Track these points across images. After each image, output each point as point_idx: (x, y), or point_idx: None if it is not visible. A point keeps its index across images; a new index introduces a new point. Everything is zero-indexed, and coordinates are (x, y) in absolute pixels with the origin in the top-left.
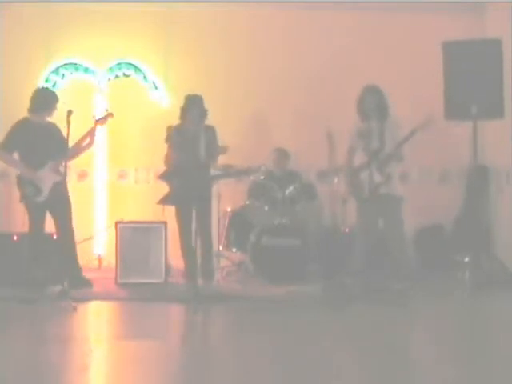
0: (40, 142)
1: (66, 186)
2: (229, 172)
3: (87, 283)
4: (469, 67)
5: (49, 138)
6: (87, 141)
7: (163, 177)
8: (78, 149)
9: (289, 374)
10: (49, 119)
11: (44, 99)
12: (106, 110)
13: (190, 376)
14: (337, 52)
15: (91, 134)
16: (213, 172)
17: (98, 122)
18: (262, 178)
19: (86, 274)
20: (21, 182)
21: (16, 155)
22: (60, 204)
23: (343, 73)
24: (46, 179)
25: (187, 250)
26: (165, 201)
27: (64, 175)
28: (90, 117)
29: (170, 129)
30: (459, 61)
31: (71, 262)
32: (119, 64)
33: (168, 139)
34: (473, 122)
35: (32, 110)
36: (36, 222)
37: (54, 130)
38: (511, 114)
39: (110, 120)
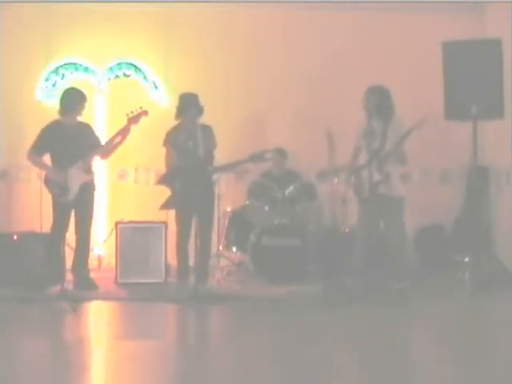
0: (70, 143)
1: (94, 188)
2: (232, 163)
3: (94, 286)
4: (469, 67)
5: (79, 138)
6: (118, 139)
7: (162, 181)
8: (109, 147)
9: (289, 373)
10: (80, 119)
11: (72, 100)
12: (141, 108)
13: (190, 376)
14: (337, 52)
15: (123, 132)
16: (214, 166)
17: (131, 120)
18: (268, 159)
19: None
20: (48, 182)
21: (47, 157)
22: (85, 205)
23: (343, 73)
24: (75, 179)
25: (182, 253)
26: (167, 205)
27: (93, 175)
28: (92, 117)
29: (167, 133)
30: (459, 61)
31: (82, 264)
32: (119, 64)
33: (165, 143)
34: (473, 122)
35: (61, 111)
36: (60, 222)
37: (85, 129)
38: (511, 114)
39: (144, 118)
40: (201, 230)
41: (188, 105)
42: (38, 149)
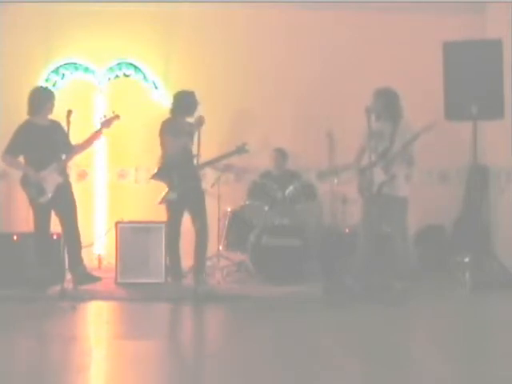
0: (43, 143)
1: (70, 187)
2: (214, 159)
3: (95, 278)
4: (469, 67)
5: (52, 138)
6: (89, 142)
7: (155, 176)
8: (79, 148)
9: (289, 373)
10: (50, 118)
11: (40, 99)
12: (113, 112)
13: (190, 376)
14: (337, 52)
15: (95, 135)
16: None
17: (103, 123)
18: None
19: None
20: (25, 183)
21: (21, 158)
22: (65, 204)
23: (343, 73)
24: (50, 180)
25: (171, 252)
26: (165, 199)
27: (67, 175)
28: (92, 117)
29: (164, 123)
30: (459, 61)
31: (76, 261)
32: (119, 64)
33: (162, 133)
34: (473, 122)
35: (31, 111)
36: (40, 222)
37: (56, 129)
38: (511, 114)
39: (115, 122)
40: (196, 227)
41: (192, 103)
42: (11, 149)
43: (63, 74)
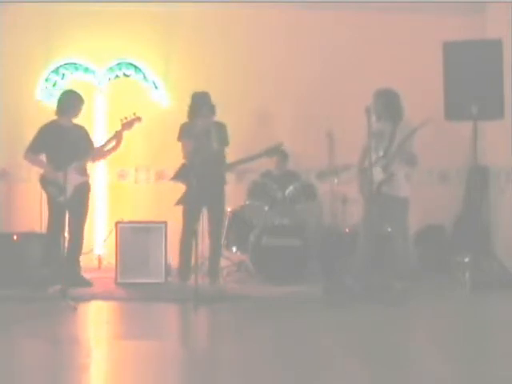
0: (66, 144)
1: (89, 190)
2: (245, 158)
3: (87, 283)
4: (469, 67)
5: (75, 140)
6: (112, 144)
7: (177, 177)
8: (103, 151)
9: (289, 374)
10: (75, 121)
11: (70, 101)
12: (134, 114)
13: (190, 376)
14: (337, 52)
15: (117, 137)
16: (228, 160)
17: (124, 125)
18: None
19: (86, 274)
20: (44, 182)
21: (43, 157)
22: (79, 205)
23: (343, 73)
24: (70, 180)
25: (186, 252)
26: (183, 201)
27: (87, 176)
28: (92, 117)
29: (181, 126)
30: (459, 61)
31: (73, 262)
32: (119, 64)
33: (180, 137)
34: (473, 122)
35: (57, 112)
36: (56, 222)
37: (80, 131)
38: (511, 114)
39: (136, 124)
40: (212, 229)
41: (199, 103)
42: (34, 147)
43: (63, 74)
